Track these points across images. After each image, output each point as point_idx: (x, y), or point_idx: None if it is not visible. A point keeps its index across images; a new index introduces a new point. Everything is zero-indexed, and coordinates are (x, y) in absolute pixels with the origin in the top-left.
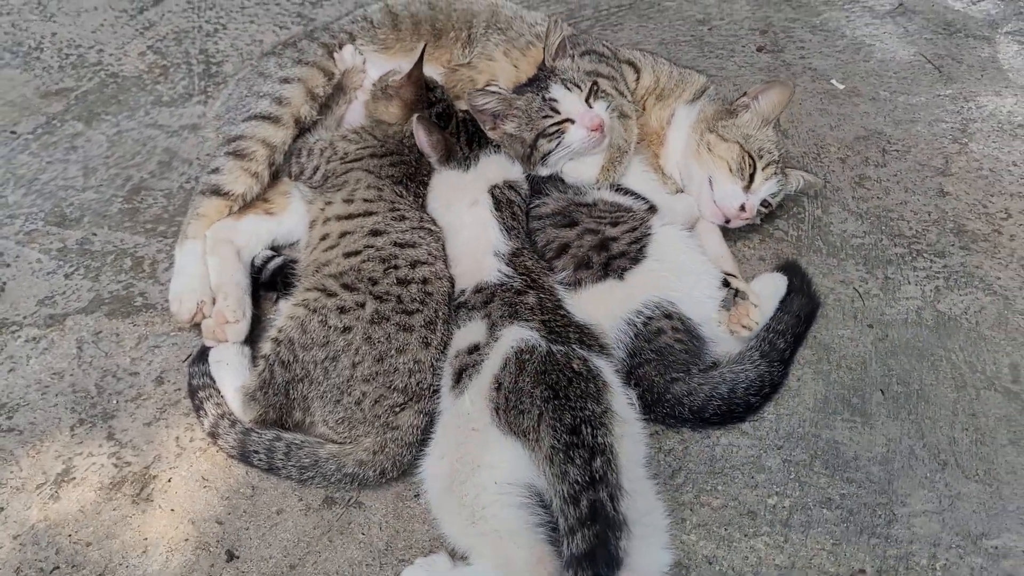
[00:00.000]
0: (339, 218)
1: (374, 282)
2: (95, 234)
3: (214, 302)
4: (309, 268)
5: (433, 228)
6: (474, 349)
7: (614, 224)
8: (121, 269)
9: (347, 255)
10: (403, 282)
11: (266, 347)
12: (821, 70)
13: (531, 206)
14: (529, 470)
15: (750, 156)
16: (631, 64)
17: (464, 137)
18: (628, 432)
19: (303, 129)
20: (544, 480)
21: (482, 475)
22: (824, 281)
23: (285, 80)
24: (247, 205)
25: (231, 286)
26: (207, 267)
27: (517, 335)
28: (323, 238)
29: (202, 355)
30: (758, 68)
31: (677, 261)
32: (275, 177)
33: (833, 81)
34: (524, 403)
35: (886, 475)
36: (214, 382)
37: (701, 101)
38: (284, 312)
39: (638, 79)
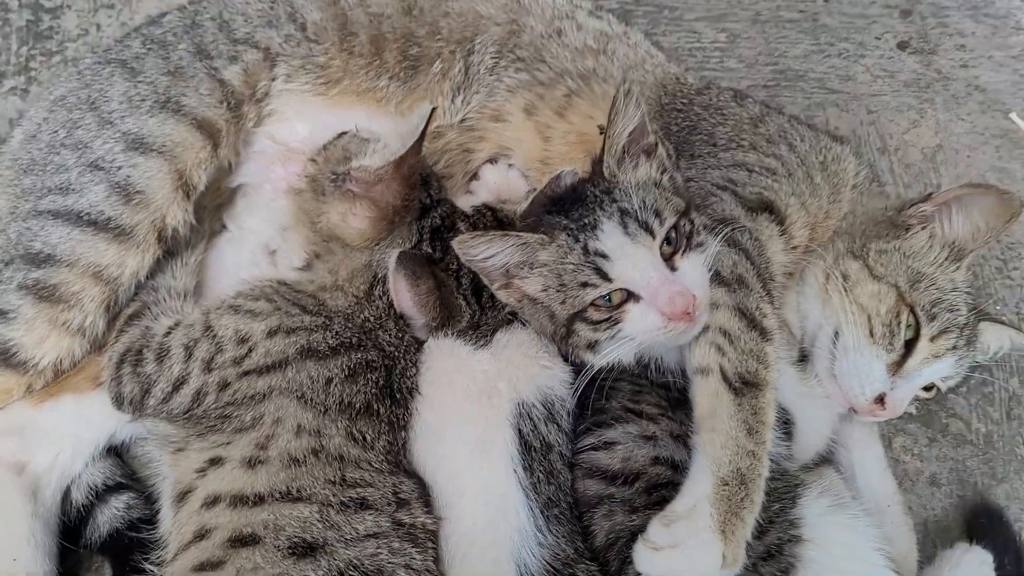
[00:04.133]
0: (234, 502)
1: None
2: None
3: None
4: None
5: (417, 520)
6: None
7: None
8: None
9: None
10: None
11: None
12: (994, 91)
13: (578, 440)
14: None
15: (913, 313)
16: (767, 208)
17: (469, 280)
18: None
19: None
20: None
21: None
22: None
23: (137, 145)
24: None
25: None
26: None
27: None
28: (200, 536)
29: None
30: (902, 81)
31: None
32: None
33: (1014, 116)
34: None
35: None
36: None
37: (852, 197)
38: None
39: (787, 237)
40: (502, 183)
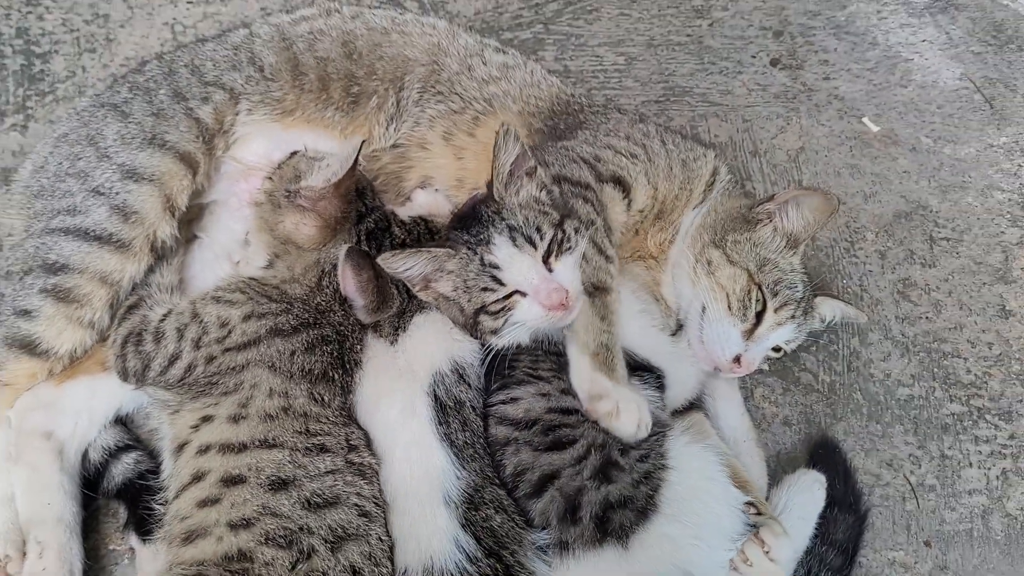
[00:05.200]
0: (223, 449)
1: None
2: None
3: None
4: (175, 533)
5: (364, 460)
6: None
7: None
8: None
9: (232, 526)
10: None
11: None
12: (850, 100)
13: (491, 397)
14: None
15: (760, 290)
16: (617, 182)
17: None
18: None
19: (158, 256)
20: None
21: None
22: (866, 463)
23: (131, 174)
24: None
25: (49, 527)
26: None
27: None
28: (196, 478)
29: None
30: (773, 93)
31: (701, 512)
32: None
33: (865, 120)
34: None
35: None
36: None
37: (711, 196)
38: None
39: (629, 201)
40: (431, 203)
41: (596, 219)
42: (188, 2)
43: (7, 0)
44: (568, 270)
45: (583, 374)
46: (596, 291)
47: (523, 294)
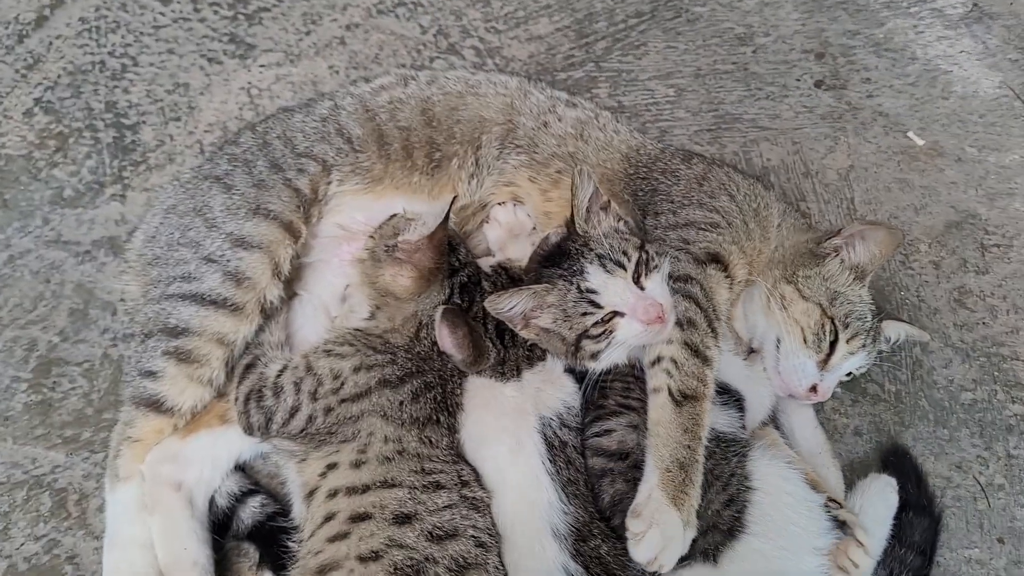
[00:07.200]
0: (349, 492)
1: None
2: None
3: None
4: (309, 567)
5: (476, 494)
6: None
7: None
8: (39, 515)
9: (362, 559)
10: None
11: None
12: (894, 115)
13: (586, 430)
14: None
15: (833, 323)
16: (714, 259)
17: (493, 325)
18: None
19: (268, 317)
20: None
21: None
22: (937, 467)
23: (241, 243)
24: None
25: (186, 570)
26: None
27: None
28: (328, 519)
29: None
30: (820, 115)
31: (786, 525)
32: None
33: (911, 134)
34: None
35: None
36: None
37: (780, 234)
38: None
39: (729, 279)
40: (512, 221)
41: (696, 317)
42: (260, 66)
43: (94, 76)
44: (658, 286)
45: (644, 489)
46: (685, 399)
47: (621, 314)
